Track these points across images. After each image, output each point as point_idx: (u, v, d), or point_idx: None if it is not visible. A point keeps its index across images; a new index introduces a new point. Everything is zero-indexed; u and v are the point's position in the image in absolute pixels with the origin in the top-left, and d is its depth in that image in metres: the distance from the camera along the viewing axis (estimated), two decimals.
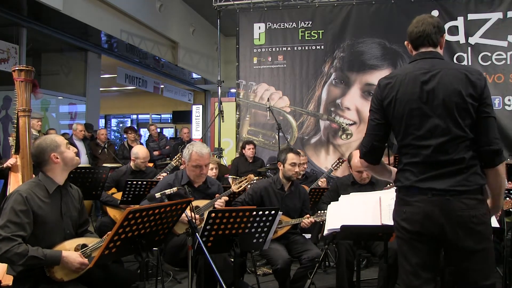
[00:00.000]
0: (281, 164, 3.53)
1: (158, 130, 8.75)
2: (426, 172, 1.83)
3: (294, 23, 6.88)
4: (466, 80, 1.80)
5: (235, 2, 7.02)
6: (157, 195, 2.75)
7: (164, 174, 4.48)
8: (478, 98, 1.80)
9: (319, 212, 3.46)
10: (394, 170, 2.07)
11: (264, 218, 2.52)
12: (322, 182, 4.74)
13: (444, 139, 1.81)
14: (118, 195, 4.09)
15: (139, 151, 4.44)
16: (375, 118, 1.98)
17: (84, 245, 2.33)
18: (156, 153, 7.86)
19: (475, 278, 1.78)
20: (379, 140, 1.98)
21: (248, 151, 6.08)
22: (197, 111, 14.24)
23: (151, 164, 6.44)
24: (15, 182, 3.27)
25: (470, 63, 6.22)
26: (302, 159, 4.24)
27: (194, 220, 2.39)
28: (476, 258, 1.78)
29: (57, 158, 2.33)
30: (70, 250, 2.27)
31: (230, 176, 5.69)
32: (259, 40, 6.98)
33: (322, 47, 6.77)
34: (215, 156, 6.75)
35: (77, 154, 2.50)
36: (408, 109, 1.87)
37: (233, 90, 12.44)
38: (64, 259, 2.17)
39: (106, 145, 7.04)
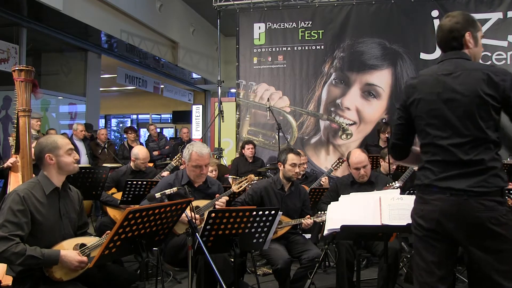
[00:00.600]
0: (282, 164, 3.53)
1: (158, 130, 8.75)
2: (445, 171, 1.84)
3: (294, 23, 6.88)
4: (488, 81, 1.79)
5: (235, 2, 7.02)
6: (157, 195, 2.75)
7: (165, 173, 4.47)
8: (500, 99, 1.79)
9: (319, 212, 3.46)
10: None
11: (264, 218, 2.52)
12: (324, 181, 4.75)
13: (464, 140, 1.81)
14: (118, 195, 4.09)
15: (139, 152, 4.44)
16: (398, 118, 2.07)
17: (82, 245, 2.33)
18: (155, 153, 7.85)
19: (499, 280, 1.76)
20: (399, 138, 2.07)
21: (248, 151, 6.08)
22: (197, 111, 14.24)
23: (151, 164, 6.44)
24: (15, 182, 3.27)
25: None
26: (302, 159, 4.24)
27: (194, 220, 2.39)
28: (498, 259, 1.76)
29: (51, 159, 2.31)
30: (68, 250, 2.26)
31: (230, 176, 5.69)
32: (259, 40, 6.98)
33: (322, 47, 6.77)
34: (215, 156, 6.76)
35: (78, 161, 2.47)
36: (429, 109, 1.89)
37: (233, 90, 12.43)
38: (62, 258, 2.17)
39: (106, 145, 7.04)
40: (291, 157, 3.48)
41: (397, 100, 2.12)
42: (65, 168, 2.35)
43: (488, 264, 1.76)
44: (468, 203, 1.77)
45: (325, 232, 2.69)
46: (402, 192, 2.94)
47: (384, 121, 5.68)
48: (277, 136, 6.22)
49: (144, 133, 14.32)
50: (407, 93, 1.99)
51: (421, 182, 1.92)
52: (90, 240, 2.37)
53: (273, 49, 6.94)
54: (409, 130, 2.03)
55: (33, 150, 2.91)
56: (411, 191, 3.56)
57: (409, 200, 2.50)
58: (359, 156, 3.66)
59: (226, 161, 7.42)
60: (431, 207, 1.85)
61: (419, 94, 1.93)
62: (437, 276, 1.85)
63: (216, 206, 3.14)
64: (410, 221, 2.38)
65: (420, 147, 1.99)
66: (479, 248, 1.77)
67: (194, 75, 12.45)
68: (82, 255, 2.25)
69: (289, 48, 6.89)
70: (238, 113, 7.06)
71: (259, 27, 6.98)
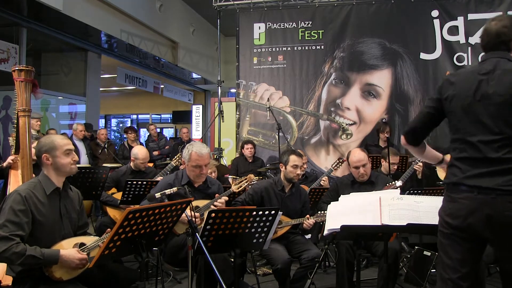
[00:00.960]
0: (283, 165, 3.52)
1: (158, 130, 8.74)
2: (473, 169, 1.85)
3: (294, 23, 6.87)
4: None
5: (235, 2, 7.01)
6: (157, 195, 2.75)
7: (159, 178, 4.41)
8: None
9: (319, 212, 3.46)
10: (440, 156, 2.18)
11: (264, 218, 2.52)
12: (324, 181, 4.75)
13: (494, 137, 1.82)
14: (118, 195, 4.09)
15: (139, 152, 4.43)
16: (428, 106, 2.06)
17: (82, 244, 2.33)
18: (155, 153, 7.85)
19: None
20: (422, 126, 2.07)
21: (247, 151, 6.08)
22: (197, 111, 14.24)
23: (151, 164, 6.43)
24: (15, 182, 3.27)
25: (470, 63, 6.22)
26: (303, 159, 4.24)
27: (194, 220, 2.39)
28: None
29: (48, 160, 2.31)
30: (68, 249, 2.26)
31: (230, 176, 5.69)
32: (259, 40, 6.98)
33: (322, 47, 6.76)
34: (215, 156, 6.75)
35: (78, 162, 2.47)
36: (462, 105, 1.91)
37: (233, 90, 12.43)
38: (62, 258, 2.17)
39: (106, 145, 7.04)
40: (293, 159, 3.48)
41: (434, 92, 2.09)
42: (62, 169, 2.34)
43: None
44: (496, 202, 1.77)
45: (325, 232, 2.68)
46: (402, 192, 2.94)
47: (384, 121, 5.68)
48: (277, 136, 6.22)
49: (144, 133, 14.32)
50: (444, 87, 2.00)
51: (449, 180, 1.93)
52: (89, 240, 2.37)
53: (273, 49, 6.94)
54: (433, 121, 2.06)
55: (33, 150, 2.92)
56: (411, 191, 3.57)
57: (409, 200, 2.50)
58: (358, 155, 3.67)
59: (226, 161, 7.42)
60: (458, 205, 1.86)
61: (454, 90, 1.95)
62: (461, 273, 1.87)
63: (212, 207, 3.13)
64: (409, 221, 2.39)
65: (450, 142, 2.00)
66: (508, 247, 1.78)
67: (194, 75, 12.44)
68: (82, 252, 2.25)
69: (289, 48, 6.88)
70: (238, 113, 7.05)
71: (259, 27, 6.98)
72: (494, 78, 1.85)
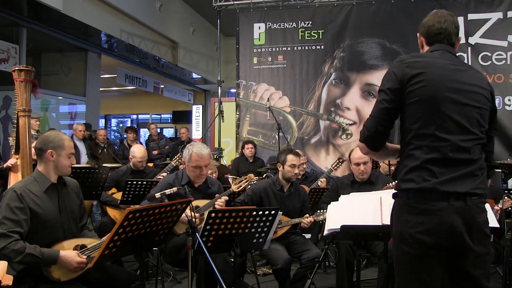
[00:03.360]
0: (281, 165, 3.52)
1: (158, 130, 8.75)
2: (447, 173, 1.63)
3: (294, 23, 6.88)
4: (487, 83, 1.77)
5: (235, 2, 7.02)
6: (157, 195, 2.75)
7: (164, 174, 4.46)
8: (492, 103, 1.77)
9: (318, 211, 3.46)
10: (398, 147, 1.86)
11: (264, 218, 2.52)
12: (322, 182, 4.74)
13: (467, 137, 1.66)
14: (118, 195, 4.09)
15: (137, 150, 4.44)
16: (384, 100, 1.78)
17: (83, 246, 2.32)
18: (155, 152, 7.86)
19: (483, 282, 1.66)
20: (384, 125, 1.79)
21: (247, 150, 6.09)
22: (197, 111, 14.23)
23: (151, 164, 6.44)
24: (15, 183, 3.27)
25: (470, 63, 6.21)
26: (302, 159, 4.23)
27: (194, 220, 2.39)
28: (486, 262, 1.68)
29: (52, 156, 2.32)
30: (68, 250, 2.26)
31: (230, 176, 5.69)
32: (259, 40, 6.98)
33: (322, 47, 6.77)
34: (215, 156, 6.75)
35: (77, 162, 2.47)
36: (441, 96, 1.67)
37: (233, 90, 12.43)
38: (61, 259, 2.17)
39: (105, 145, 7.05)
40: (291, 158, 3.48)
41: (387, 82, 1.79)
42: (61, 169, 2.36)
43: (478, 268, 1.65)
44: (471, 209, 1.63)
45: (325, 232, 2.68)
46: None
47: None
48: (277, 136, 6.22)
49: (144, 133, 14.32)
50: (407, 71, 1.71)
51: (417, 185, 1.64)
52: (90, 241, 2.37)
53: (273, 49, 6.94)
54: (396, 116, 1.79)
55: (33, 150, 2.91)
56: None
57: None
58: (360, 152, 3.67)
59: (226, 161, 7.43)
60: (436, 219, 1.61)
61: (427, 74, 1.68)
62: None
63: (216, 206, 3.13)
64: None
65: (412, 137, 1.72)
66: (475, 254, 1.64)
67: (194, 75, 12.45)
68: (82, 255, 2.25)
69: (289, 48, 6.89)
70: (238, 113, 7.06)
71: (259, 27, 6.98)
72: (465, 73, 1.72)
